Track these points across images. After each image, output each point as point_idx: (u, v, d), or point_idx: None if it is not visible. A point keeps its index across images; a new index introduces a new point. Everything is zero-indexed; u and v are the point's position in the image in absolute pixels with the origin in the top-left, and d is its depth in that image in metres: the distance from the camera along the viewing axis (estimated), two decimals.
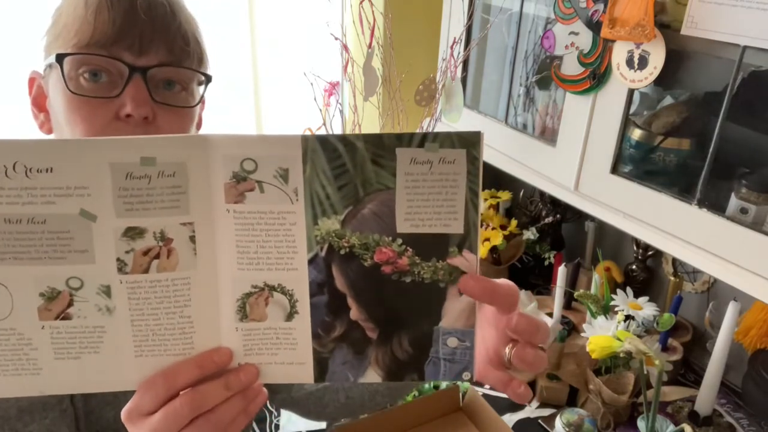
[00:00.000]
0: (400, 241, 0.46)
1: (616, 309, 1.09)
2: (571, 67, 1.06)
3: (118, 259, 0.45)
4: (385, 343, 0.48)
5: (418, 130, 1.35)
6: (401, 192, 0.45)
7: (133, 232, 0.44)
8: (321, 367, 0.49)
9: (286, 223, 0.46)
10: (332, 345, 0.48)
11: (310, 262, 0.46)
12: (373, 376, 0.49)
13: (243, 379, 0.49)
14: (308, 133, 1.45)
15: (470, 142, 0.43)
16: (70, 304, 0.46)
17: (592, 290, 1.18)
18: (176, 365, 0.48)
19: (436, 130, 1.41)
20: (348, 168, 0.44)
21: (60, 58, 0.62)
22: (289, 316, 0.48)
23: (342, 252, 0.46)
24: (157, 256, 0.45)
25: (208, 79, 0.70)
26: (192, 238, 0.46)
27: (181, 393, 0.48)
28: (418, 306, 0.47)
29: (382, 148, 0.44)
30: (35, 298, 0.45)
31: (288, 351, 0.49)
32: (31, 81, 0.71)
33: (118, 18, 0.62)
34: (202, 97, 0.72)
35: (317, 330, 0.48)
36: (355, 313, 0.48)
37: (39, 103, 0.71)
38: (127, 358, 0.48)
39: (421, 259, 0.46)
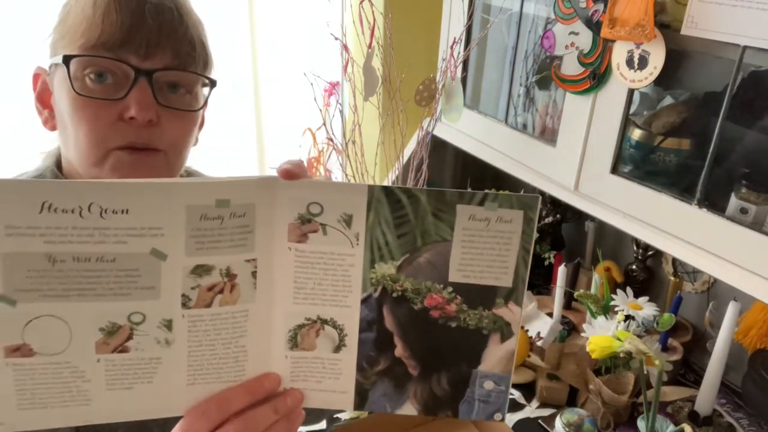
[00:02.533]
0: (450, 289, 0.49)
1: (616, 309, 1.09)
2: (571, 67, 1.06)
3: (183, 295, 0.47)
4: (425, 380, 0.52)
5: (418, 130, 1.35)
6: (457, 245, 0.48)
7: (201, 270, 0.46)
8: (361, 397, 0.52)
9: (345, 264, 0.49)
10: (374, 378, 0.52)
11: (363, 301, 0.50)
12: (409, 409, 0.52)
13: (289, 404, 0.52)
14: (309, 133, 1.45)
15: (528, 204, 0.46)
16: (129, 338, 0.47)
17: (592, 290, 1.18)
18: (229, 391, 0.50)
19: (435, 130, 1.41)
20: (410, 218, 0.47)
21: (67, 59, 0.62)
22: (337, 348, 0.51)
23: (395, 295, 0.49)
24: (221, 291, 0.47)
25: (213, 83, 0.71)
26: (254, 274, 0.48)
27: (231, 418, 0.49)
28: (461, 349, 0.51)
29: (443, 203, 0.47)
30: (95, 333, 0.46)
31: (332, 380, 0.52)
32: (36, 77, 0.71)
33: (126, 20, 0.62)
34: (206, 100, 0.72)
35: (362, 363, 0.51)
36: (400, 351, 0.51)
37: (43, 99, 0.71)
38: (178, 387, 0.49)
39: (468, 307, 0.50)
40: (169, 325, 0.47)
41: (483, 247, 0.48)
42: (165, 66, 0.64)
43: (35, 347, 0.45)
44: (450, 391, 0.52)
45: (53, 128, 0.70)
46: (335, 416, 1.04)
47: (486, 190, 0.48)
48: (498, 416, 0.52)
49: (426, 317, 0.50)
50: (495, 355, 0.51)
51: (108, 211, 0.43)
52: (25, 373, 0.45)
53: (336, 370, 0.52)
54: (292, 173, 0.47)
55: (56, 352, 0.46)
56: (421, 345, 0.51)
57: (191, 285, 0.47)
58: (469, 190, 0.49)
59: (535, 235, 0.47)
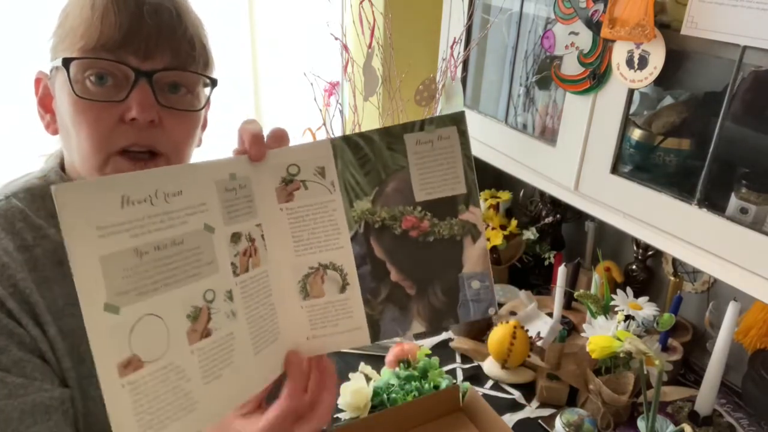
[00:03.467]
0: (420, 208, 0.56)
1: (616, 309, 1.09)
2: (571, 67, 1.06)
3: (232, 264, 0.50)
4: (422, 296, 0.57)
5: None
6: (414, 168, 0.55)
7: (235, 237, 0.51)
8: (374, 329, 0.57)
9: (329, 209, 0.55)
10: (381, 306, 0.57)
11: (352, 239, 0.56)
12: (417, 326, 0.57)
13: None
14: (309, 133, 1.45)
15: (457, 119, 0.54)
16: (209, 320, 0.48)
17: (592, 290, 1.18)
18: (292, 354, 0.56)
19: None
20: (370, 157, 0.55)
21: (66, 62, 0.62)
22: (342, 288, 0.56)
23: (376, 226, 0.56)
24: (251, 256, 0.52)
25: (214, 82, 0.71)
26: (262, 237, 0.54)
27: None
28: (444, 259, 0.56)
29: (393, 137, 0.55)
30: (184, 322, 0.46)
31: (346, 319, 0.57)
32: (38, 81, 0.71)
33: (125, 22, 0.62)
34: (208, 99, 0.72)
35: (366, 296, 0.56)
36: (394, 275, 0.57)
37: (45, 103, 0.70)
38: (250, 360, 0.51)
39: (438, 220, 0.56)
40: (230, 295, 0.50)
41: (434, 165, 0.55)
42: (165, 66, 0.64)
43: (143, 356, 0.43)
44: (446, 299, 0.57)
45: (55, 132, 0.70)
46: (335, 416, 1.04)
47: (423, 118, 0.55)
48: (492, 310, 0.57)
49: (407, 239, 0.56)
50: (473, 256, 0.56)
51: (169, 195, 0.46)
52: (140, 391, 0.43)
53: (347, 308, 0.57)
54: (259, 155, 0.54)
55: (160, 356, 0.44)
56: (410, 265, 0.56)
57: (233, 252, 0.51)
58: (411, 121, 0.55)
59: (470, 142, 0.55)
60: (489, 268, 0.57)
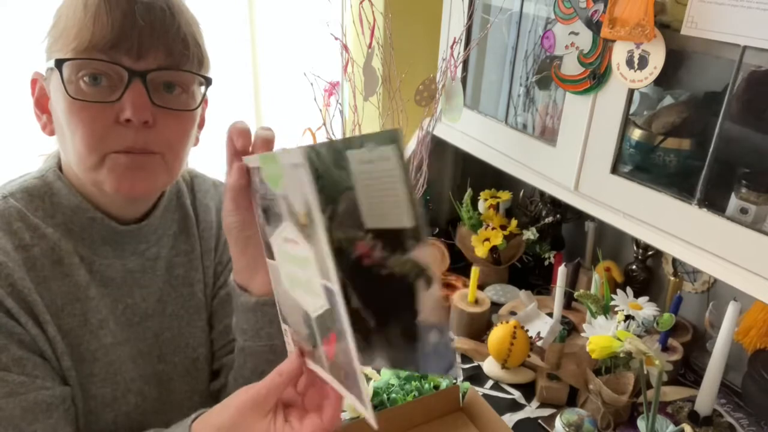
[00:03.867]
0: (370, 235, 0.48)
1: (616, 309, 1.09)
2: (571, 67, 1.06)
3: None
4: (382, 332, 0.50)
5: (418, 131, 1.35)
6: (360, 191, 0.47)
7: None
8: None
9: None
10: None
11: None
12: (381, 362, 0.51)
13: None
14: (309, 134, 1.45)
15: (395, 138, 0.44)
16: None
17: (592, 290, 1.18)
18: None
19: (435, 130, 1.41)
20: (321, 173, 0.47)
21: (59, 63, 0.62)
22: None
23: (335, 245, 0.48)
24: None
25: (209, 81, 0.70)
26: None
27: None
28: (398, 298, 0.49)
29: (338, 152, 0.47)
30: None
31: None
32: (34, 82, 0.71)
33: (117, 22, 0.61)
34: (204, 98, 0.72)
35: None
36: (355, 301, 0.49)
37: (41, 104, 0.70)
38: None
39: (389, 253, 0.47)
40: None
41: (379, 189, 0.47)
42: (159, 66, 0.64)
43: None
44: (405, 344, 0.50)
45: (52, 133, 0.70)
46: None
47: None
48: (452, 372, 0.51)
49: (361, 266, 0.49)
50: (427, 304, 0.48)
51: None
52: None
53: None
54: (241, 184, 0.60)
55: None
56: (366, 295, 0.50)
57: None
58: (354, 135, 0.47)
59: (409, 170, 0.47)
60: (447, 321, 0.50)
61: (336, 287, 0.47)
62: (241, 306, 0.70)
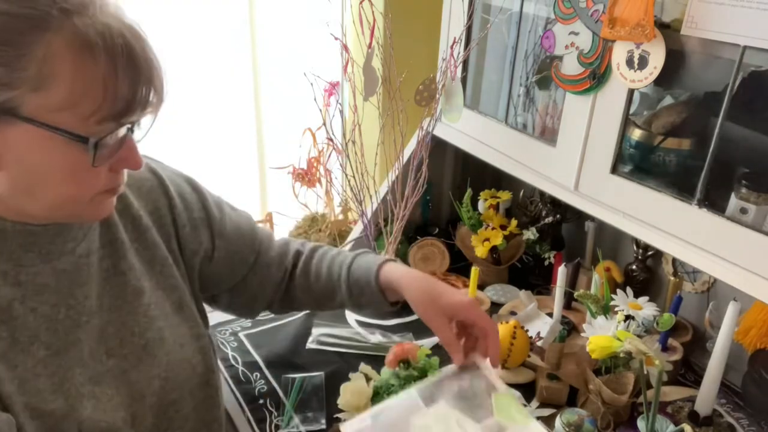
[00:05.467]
0: None
1: (616, 309, 1.09)
2: (571, 67, 1.06)
3: None
4: None
5: (418, 130, 1.35)
6: None
7: None
8: None
9: None
10: None
11: None
12: None
13: None
14: (309, 133, 1.45)
15: None
16: None
17: (592, 290, 1.18)
18: None
19: (435, 130, 1.41)
20: None
21: (81, 137, 0.61)
22: None
23: None
24: None
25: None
26: None
27: None
28: None
29: None
30: None
31: None
32: None
33: (132, 88, 0.62)
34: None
35: None
36: None
37: None
38: None
39: None
40: None
41: None
42: (148, 112, 0.66)
43: None
44: None
45: None
46: (335, 416, 1.04)
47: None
48: None
49: None
50: None
51: None
52: None
53: None
54: None
55: None
56: None
57: None
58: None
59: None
60: None
61: None
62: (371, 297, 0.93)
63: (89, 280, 0.74)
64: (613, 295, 1.11)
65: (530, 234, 1.42)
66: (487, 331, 0.83)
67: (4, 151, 0.61)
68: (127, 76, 0.60)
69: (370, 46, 1.24)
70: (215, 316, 1.06)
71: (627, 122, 1.00)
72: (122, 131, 0.64)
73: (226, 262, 0.95)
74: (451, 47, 1.29)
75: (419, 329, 1.24)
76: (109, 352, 0.75)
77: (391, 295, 0.93)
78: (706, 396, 1.01)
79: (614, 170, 1.03)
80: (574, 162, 1.09)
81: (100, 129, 0.61)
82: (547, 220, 1.45)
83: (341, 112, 1.50)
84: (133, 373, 0.77)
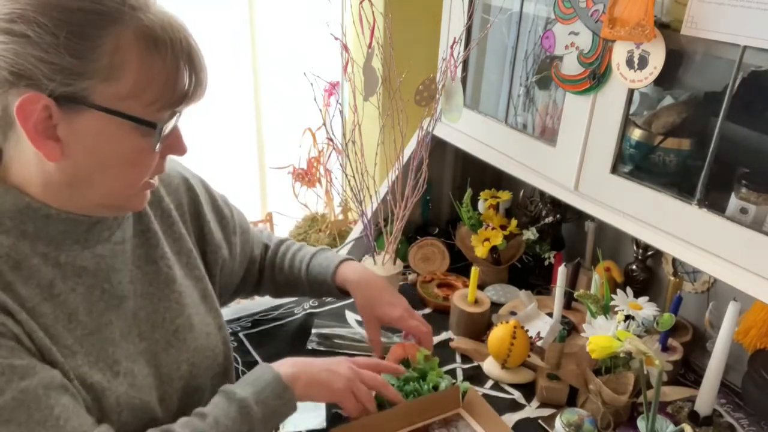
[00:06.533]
0: None
1: (616, 309, 1.09)
2: (571, 67, 1.06)
3: None
4: None
5: (418, 130, 1.35)
6: None
7: None
8: None
9: None
10: None
11: None
12: None
13: None
14: (309, 133, 1.45)
15: None
16: None
17: (592, 290, 1.18)
18: None
19: (435, 130, 1.41)
20: None
21: (147, 123, 0.66)
22: None
23: None
24: None
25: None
26: None
27: None
28: None
29: None
30: None
31: None
32: (28, 105, 0.61)
33: (189, 80, 0.68)
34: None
35: None
36: None
37: (46, 130, 0.63)
38: None
39: None
40: None
41: None
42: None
43: None
44: None
45: (56, 160, 0.65)
46: (333, 410, 1.04)
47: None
48: None
49: None
50: None
51: None
52: None
53: None
54: None
55: None
56: None
57: None
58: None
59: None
60: None
61: None
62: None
63: (124, 266, 0.79)
64: (613, 295, 1.11)
65: (530, 234, 1.42)
66: (419, 337, 1.08)
67: (72, 140, 0.64)
68: (186, 67, 0.66)
69: (370, 46, 1.24)
70: None
71: (627, 122, 1.00)
72: (174, 119, 0.69)
73: (242, 258, 1.05)
74: (451, 47, 1.29)
75: None
76: (142, 335, 0.79)
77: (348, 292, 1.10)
78: (706, 396, 1.01)
79: (614, 170, 1.03)
80: (574, 162, 1.09)
81: (159, 116, 0.66)
82: (547, 220, 1.45)
83: (341, 112, 1.50)
84: (163, 356, 0.81)
